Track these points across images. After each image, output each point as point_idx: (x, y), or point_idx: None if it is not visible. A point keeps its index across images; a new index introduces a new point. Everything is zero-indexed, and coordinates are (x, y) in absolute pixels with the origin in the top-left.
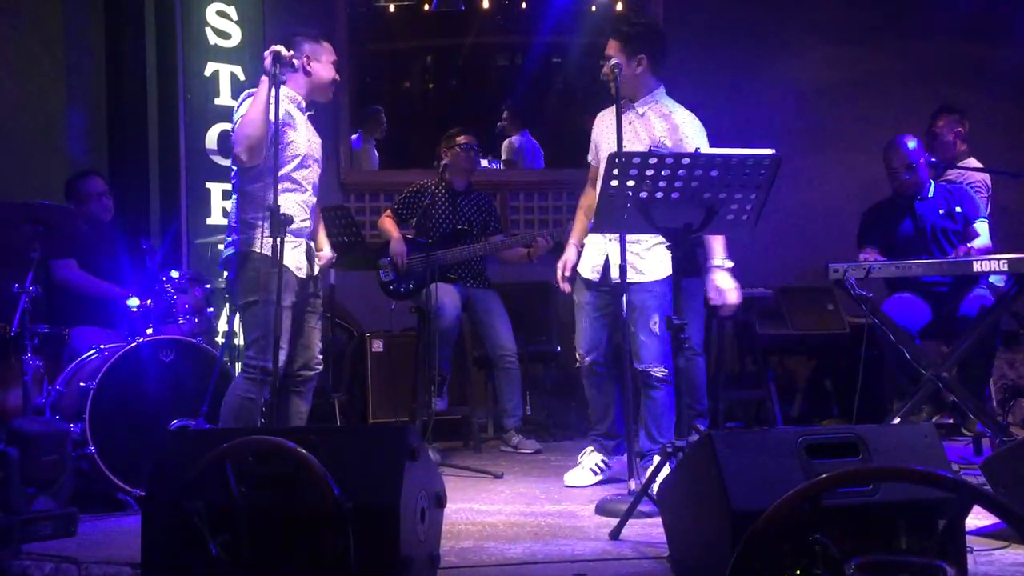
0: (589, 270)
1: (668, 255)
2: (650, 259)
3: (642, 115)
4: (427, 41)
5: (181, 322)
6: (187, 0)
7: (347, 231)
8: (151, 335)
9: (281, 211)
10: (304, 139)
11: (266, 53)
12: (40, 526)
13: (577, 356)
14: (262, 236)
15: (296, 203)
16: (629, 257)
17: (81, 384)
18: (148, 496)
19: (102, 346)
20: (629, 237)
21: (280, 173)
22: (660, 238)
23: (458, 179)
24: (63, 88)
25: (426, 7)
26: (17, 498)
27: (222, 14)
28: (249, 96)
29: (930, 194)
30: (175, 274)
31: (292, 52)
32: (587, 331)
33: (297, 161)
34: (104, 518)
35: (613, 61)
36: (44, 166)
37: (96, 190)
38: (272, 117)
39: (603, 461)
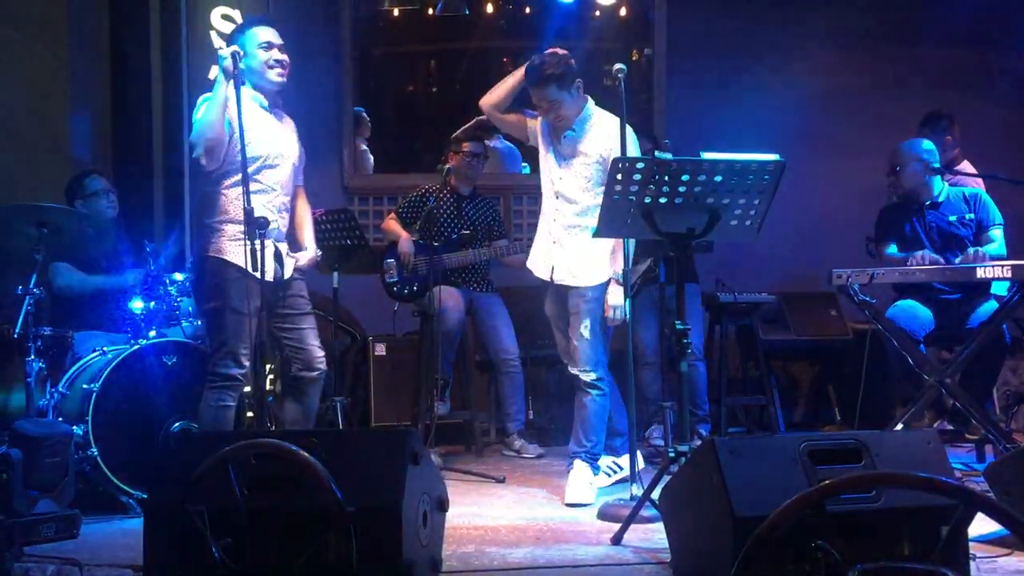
0: (540, 269)
1: (603, 261)
2: (586, 264)
3: (577, 130)
4: (430, 45)
5: (184, 325)
6: (192, 3)
7: (350, 234)
8: (154, 338)
9: (233, 212)
10: (269, 139)
11: (225, 53)
12: (42, 528)
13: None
14: (220, 240)
15: (261, 205)
16: (567, 260)
17: (84, 386)
18: (150, 498)
19: (105, 348)
20: (567, 241)
21: (240, 176)
22: (598, 243)
23: (462, 184)
24: (67, 91)
25: (430, 11)
26: (20, 500)
27: (227, 17)
28: (207, 100)
29: (941, 199)
30: (178, 276)
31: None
32: (560, 341)
33: (259, 163)
34: (106, 520)
35: (617, 65)
36: (48, 169)
37: (99, 186)
38: (236, 119)
39: (614, 462)
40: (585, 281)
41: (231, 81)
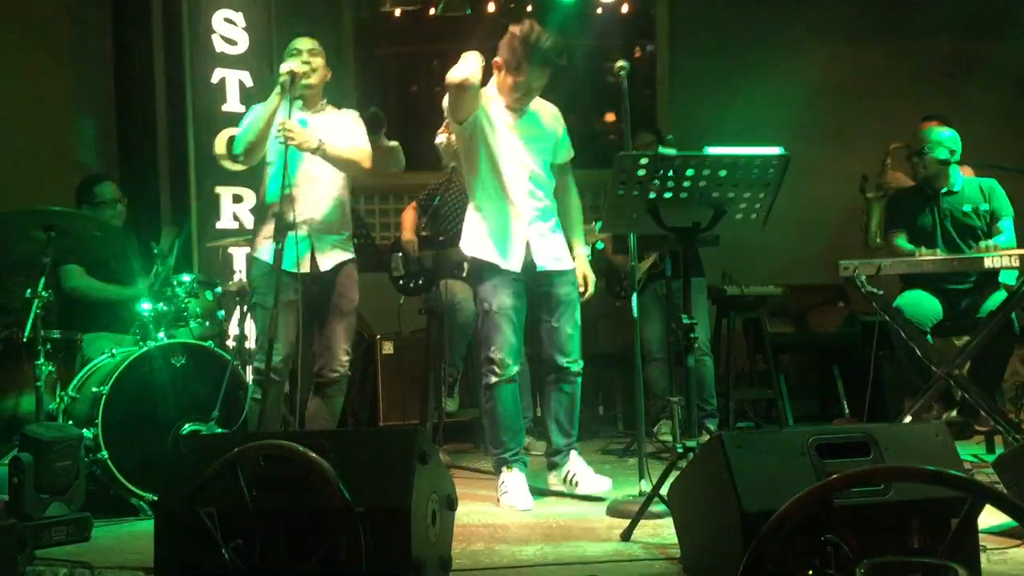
0: (509, 258)
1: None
2: (564, 247)
3: (529, 110)
4: (433, 46)
5: (192, 326)
6: (194, 7)
7: (356, 232)
8: (162, 339)
9: (266, 212)
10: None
11: (284, 69)
12: (54, 531)
13: (498, 365)
14: (257, 239)
15: (290, 200)
16: (544, 244)
17: (93, 389)
18: (160, 501)
19: (114, 351)
20: (544, 225)
21: (273, 174)
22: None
23: None
24: (72, 95)
25: (431, 12)
26: (31, 504)
27: (229, 21)
28: (257, 106)
29: (957, 188)
30: (186, 278)
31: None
32: (511, 338)
33: (283, 161)
34: (117, 523)
35: (620, 62)
36: (54, 173)
37: (111, 196)
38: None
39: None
40: (569, 264)
41: (284, 97)
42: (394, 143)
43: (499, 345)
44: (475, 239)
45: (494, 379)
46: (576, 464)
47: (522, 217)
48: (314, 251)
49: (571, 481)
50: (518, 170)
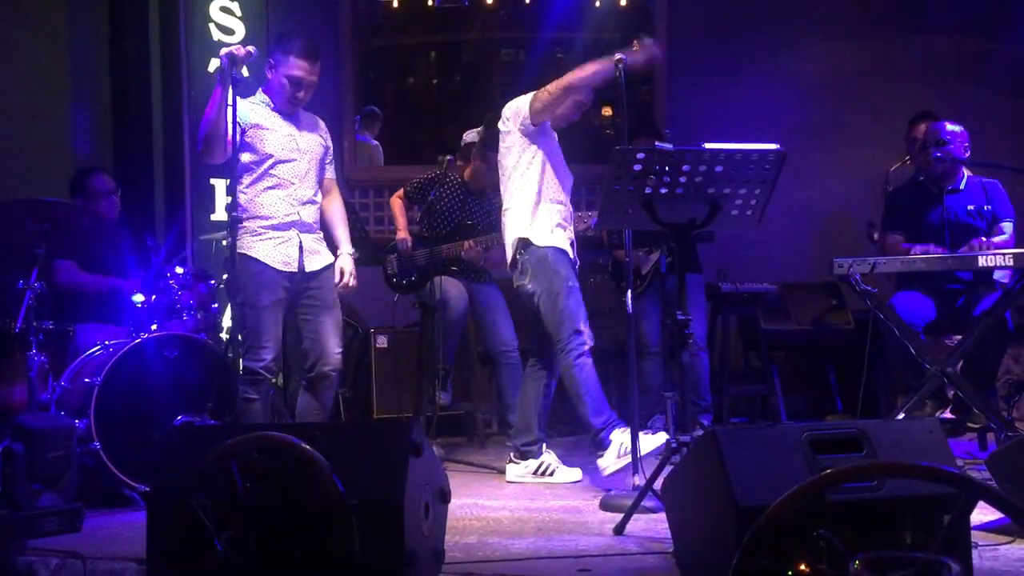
0: (568, 246)
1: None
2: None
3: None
4: (431, 37)
5: (185, 318)
6: None
7: (351, 227)
8: (155, 331)
9: (253, 209)
10: (278, 136)
11: (222, 53)
12: (45, 522)
13: (588, 336)
14: (243, 236)
15: (279, 198)
16: (571, 236)
17: (86, 380)
18: (153, 492)
19: (107, 342)
20: (567, 214)
21: (259, 172)
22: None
23: (473, 182)
24: (67, 85)
25: (430, 3)
26: (23, 494)
27: (226, 10)
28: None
29: (962, 186)
30: (179, 270)
31: (248, 51)
32: (584, 310)
33: (272, 159)
34: (109, 514)
35: (618, 55)
36: (49, 163)
37: (104, 188)
38: (238, 119)
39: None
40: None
41: (227, 81)
42: (374, 143)
43: (584, 318)
44: (545, 229)
45: (588, 345)
46: (550, 455)
47: (570, 217)
48: (303, 250)
49: (547, 471)
50: (565, 174)
